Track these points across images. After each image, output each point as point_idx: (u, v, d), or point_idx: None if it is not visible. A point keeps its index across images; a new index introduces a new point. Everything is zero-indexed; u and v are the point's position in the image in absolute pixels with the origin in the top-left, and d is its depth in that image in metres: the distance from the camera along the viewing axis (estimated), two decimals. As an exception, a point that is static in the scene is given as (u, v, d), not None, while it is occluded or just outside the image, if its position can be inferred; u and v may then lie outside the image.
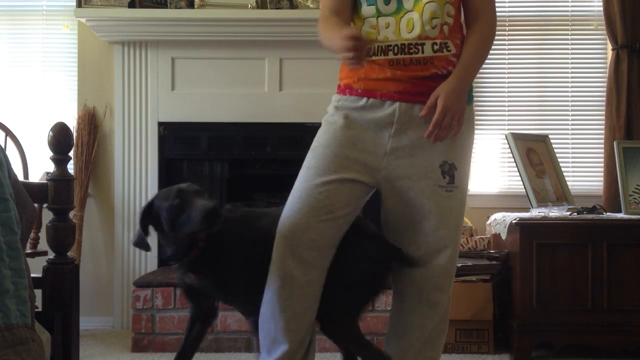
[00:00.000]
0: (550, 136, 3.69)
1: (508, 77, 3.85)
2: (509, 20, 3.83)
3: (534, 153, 3.55)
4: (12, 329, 1.45)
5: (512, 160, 3.51)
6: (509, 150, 3.54)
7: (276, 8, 3.60)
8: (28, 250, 2.96)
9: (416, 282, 1.98)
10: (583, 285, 3.05)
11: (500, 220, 3.33)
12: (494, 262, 3.21)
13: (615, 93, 3.64)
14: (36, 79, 3.83)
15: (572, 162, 3.84)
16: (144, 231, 1.91)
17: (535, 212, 3.27)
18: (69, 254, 1.98)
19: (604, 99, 3.73)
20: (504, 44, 3.84)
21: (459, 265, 3.15)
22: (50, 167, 1.99)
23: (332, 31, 1.87)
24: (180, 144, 3.76)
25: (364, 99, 1.90)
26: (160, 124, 3.73)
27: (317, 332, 1.99)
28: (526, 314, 3.05)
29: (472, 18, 1.97)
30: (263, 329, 1.94)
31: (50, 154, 1.94)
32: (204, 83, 3.72)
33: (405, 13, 1.87)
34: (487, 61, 3.83)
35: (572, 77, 3.85)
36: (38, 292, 1.83)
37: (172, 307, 3.18)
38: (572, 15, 3.86)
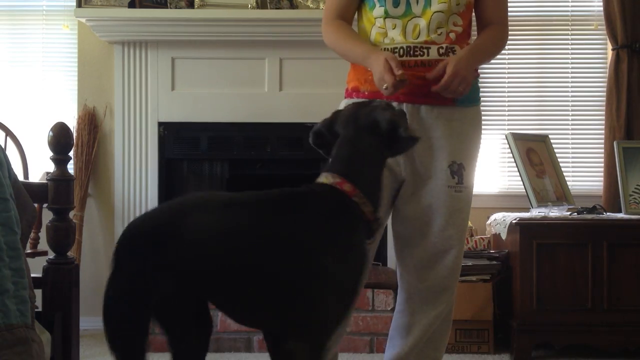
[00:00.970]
0: (550, 136, 3.69)
1: (508, 77, 3.85)
2: (509, 20, 3.82)
3: (534, 153, 3.55)
4: (12, 329, 1.45)
5: (512, 160, 3.50)
6: (509, 150, 3.54)
7: (276, 8, 3.60)
8: (28, 250, 2.96)
9: (423, 282, 1.98)
10: (583, 285, 3.05)
11: (500, 220, 3.33)
12: (494, 262, 3.21)
13: (615, 93, 3.64)
14: (36, 79, 3.83)
15: (572, 162, 3.84)
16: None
17: (535, 212, 3.27)
18: (69, 254, 1.98)
19: (604, 99, 3.72)
20: (504, 44, 3.83)
21: (459, 265, 3.18)
22: (50, 167, 1.99)
23: (351, 41, 1.91)
24: (180, 144, 3.76)
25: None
26: (160, 124, 3.72)
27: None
28: (526, 314, 3.05)
29: (485, 25, 2.01)
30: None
31: (50, 154, 1.94)
32: (204, 83, 3.72)
33: (413, 17, 1.89)
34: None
35: (572, 77, 3.85)
36: (38, 292, 1.83)
37: (172, 307, 3.17)
38: (572, 15, 3.86)
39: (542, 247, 3.06)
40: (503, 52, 3.80)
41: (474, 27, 2.04)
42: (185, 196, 1.55)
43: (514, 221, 3.12)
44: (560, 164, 3.64)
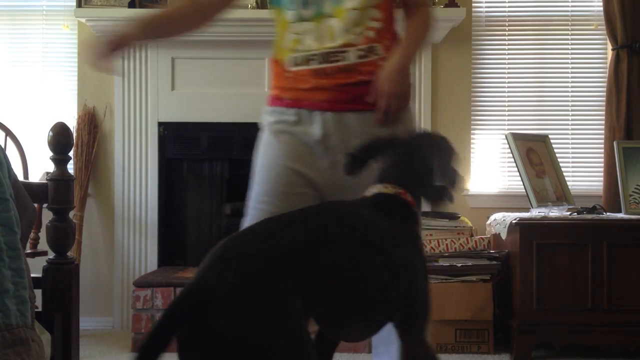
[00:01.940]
0: (550, 136, 3.69)
1: (508, 77, 3.85)
2: (509, 20, 3.83)
3: (534, 153, 3.55)
4: (12, 329, 1.45)
5: (512, 160, 3.51)
6: (509, 150, 3.54)
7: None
8: (28, 250, 2.96)
9: None
10: (583, 285, 3.05)
11: (500, 220, 3.33)
12: (494, 262, 3.21)
13: (615, 93, 3.64)
14: (36, 79, 3.83)
15: (572, 162, 3.84)
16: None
17: (535, 212, 3.27)
18: (69, 254, 1.98)
19: (604, 99, 3.72)
20: (504, 44, 3.84)
21: (459, 265, 3.18)
22: (50, 167, 1.99)
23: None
24: (180, 144, 3.76)
25: (293, 110, 1.82)
26: (160, 124, 3.73)
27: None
28: (526, 314, 3.05)
29: (411, 10, 1.87)
30: None
31: (50, 154, 1.94)
32: (204, 83, 3.72)
33: (325, 18, 1.78)
34: (487, 61, 3.87)
35: (572, 77, 3.85)
36: (38, 292, 1.83)
37: (172, 307, 3.17)
38: (572, 15, 3.86)
39: (542, 247, 3.05)
40: (503, 52, 3.85)
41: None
42: (275, 218, 1.48)
43: (514, 221, 3.12)
44: (560, 164, 3.64)
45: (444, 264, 3.19)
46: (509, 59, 3.85)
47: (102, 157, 3.78)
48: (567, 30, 3.85)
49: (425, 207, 1.67)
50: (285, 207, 1.77)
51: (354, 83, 1.78)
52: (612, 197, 3.59)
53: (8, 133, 3.39)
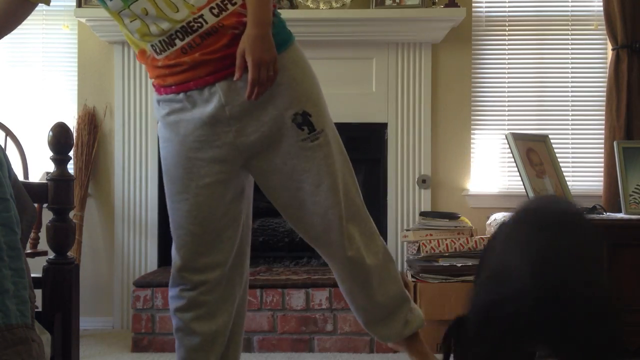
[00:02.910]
0: (550, 136, 3.69)
1: (508, 77, 3.85)
2: (509, 20, 3.83)
3: (534, 153, 3.55)
4: (12, 329, 1.45)
5: (512, 160, 3.50)
6: (509, 150, 3.54)
7: (276, 8, 3.59)
8: (28, 250, 2.96)
9: (325, 245, 1.90)
10: (583, 285, 3.04)
11: (500, 221, 3.33)
12: (494, 262, 3.21)
13: (615, 93, 3.64)
14: (36, 79, 3.83)
15: (572, 162, 3.84)
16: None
17: (535, 212, 3.27)
18: (69, 254, 1.98)
19: (604, 99, 3.72)
20: (504, 44, 3.84)
21: (459, 265, 3.18)
22: (50, 167, 1.99)
23: None
24: (180, 144, 3.76)
25: (182, 95, 1.76)
26: (160, 124, 3.72)
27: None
28: (526, 314, 3.04)
29: None
30: None
31: (50, 154, 1.94)
32: (204, 83, 3.72)
33: None
34: (487, 61, 3.87)
35: (572, 77, 3.85)
36: (38, 292, 1.82)
37: (172, 307, 3.18)
38: (572, 15, 3.86)
39: (542, 247, 3.05)
40: (503, 52, 3.85)
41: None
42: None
43: (514, 221, 3.12)
44: (560, 164, 3.64)
45: (444, 264, 3.19)
46: (509, 59, 3.85)
47: (102, 157, 3.78)
48: (567, 30, 3.85)
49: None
50: (202, 200, 1.76)
51: (227, 43, 1.71)
52: (612, 197, 3.59)
53: (8, 133, 3.39)
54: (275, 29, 1.78)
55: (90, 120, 3.72)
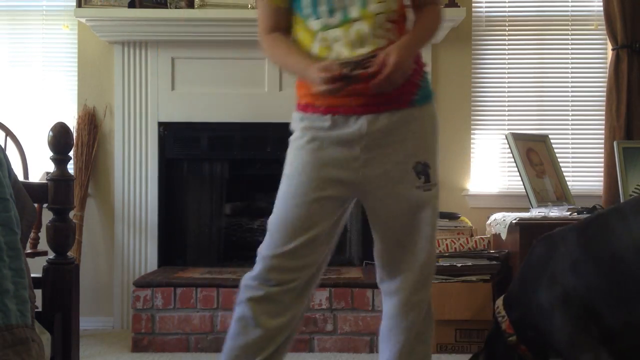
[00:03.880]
0: (550, 136, 3.69)
1: (508, 77, 3.85)
2: (509, 20, 3.83)
3: (534, 153, 3.55)
4: (12, 329, 1.45)
5: (512, 160, 3.51)
6: (509, 150, 3.54)
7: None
8: (28, 250, 2.96)
9: (399, 285, 1.97)
10: (583, 285, 3.04)
11: (500, 220, 3.33)
12: (494, 262, 3.21)
13: (615, 93, 3.64)
14: (36, 79, 3.83)
15: (572, 162, 3.84)
16: None
17: (535, 212, 3.27)
18: (69, 254, 1.98)
19: (604, 99, 3.73)
20: (504, 44, 3.84)
21: (459, 265, 3.18)
22: (50, 167, 1.99)
23: (290, 55, 1.87)
24: (181, 144, 3.76)
25: (328, 116, 1.86)
26: (160, 124, 3.73)
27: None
28: (526, 314, 3.05)
29: (421, 9, 1.92)
30: None
31: (50, 154, 1.94)
32: (204, 83, 3.73)
33: (353, 22, 1.80)
34: (487, 61, 3.87)
35: (572, 77, 3.85)
36: (38, 292, 1.83)
37: (172, 307, 3.18)
38: (572, 15, 3.86)
39: (542, 247, 3.05)
40: (503, 52, 3.85)
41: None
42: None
43: (514, 221, 3.12)
44: (560, 164, 3.64)
45: (444, 264, 3.19)
46: (509, 59, 3.85)
47: (102, 157, 3.78)
48: (567, 30, 3.86)
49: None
50: (314, 211, 1.86)
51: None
52: (612, 197, 3.59)
53: (8, 133, 3.39)
54: (425, 82, 1.94)
55: (90, 121, 3.73)
